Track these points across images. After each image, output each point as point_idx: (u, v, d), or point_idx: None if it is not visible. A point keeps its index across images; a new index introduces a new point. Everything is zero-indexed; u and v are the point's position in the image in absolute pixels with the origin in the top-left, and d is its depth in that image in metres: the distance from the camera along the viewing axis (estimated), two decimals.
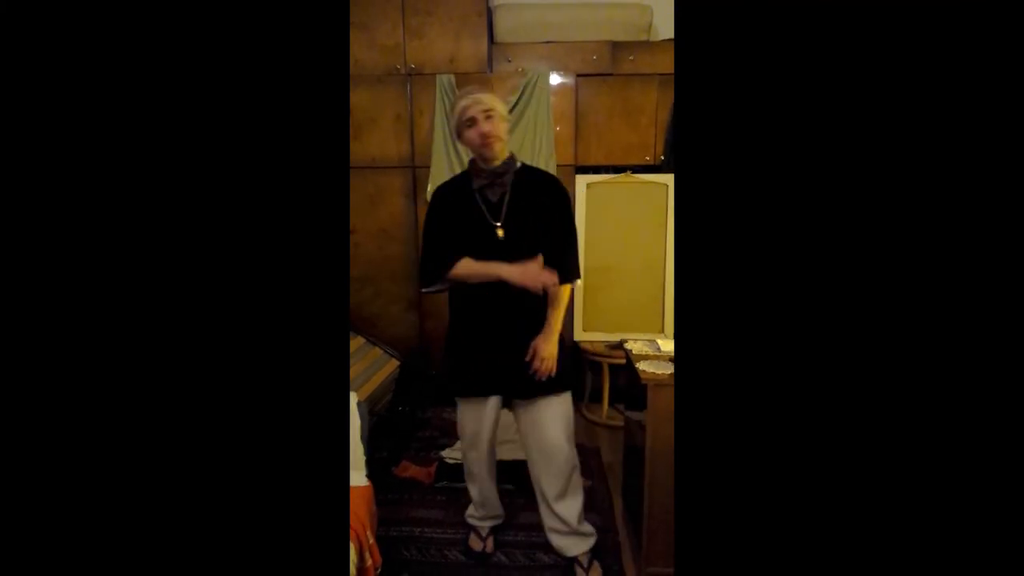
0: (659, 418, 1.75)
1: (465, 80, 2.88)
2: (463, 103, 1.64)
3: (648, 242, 3.00)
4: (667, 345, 2.02)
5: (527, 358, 1.69)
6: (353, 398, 1.87)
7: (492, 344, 1.73)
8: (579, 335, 3.02)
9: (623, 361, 2.34)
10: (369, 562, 1.59)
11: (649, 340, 2.13)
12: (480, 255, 1.67)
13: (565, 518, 1.81)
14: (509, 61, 2.94)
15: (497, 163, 1.68)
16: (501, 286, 1.64)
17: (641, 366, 1.81)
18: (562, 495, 1.80)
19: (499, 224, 1.69)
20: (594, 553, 1.88)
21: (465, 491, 2.13)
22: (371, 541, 1.62)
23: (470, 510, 2.07)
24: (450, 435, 2.83)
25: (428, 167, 2.95)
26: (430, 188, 2.95)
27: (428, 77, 2.90)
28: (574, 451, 1.81)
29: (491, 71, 2.93)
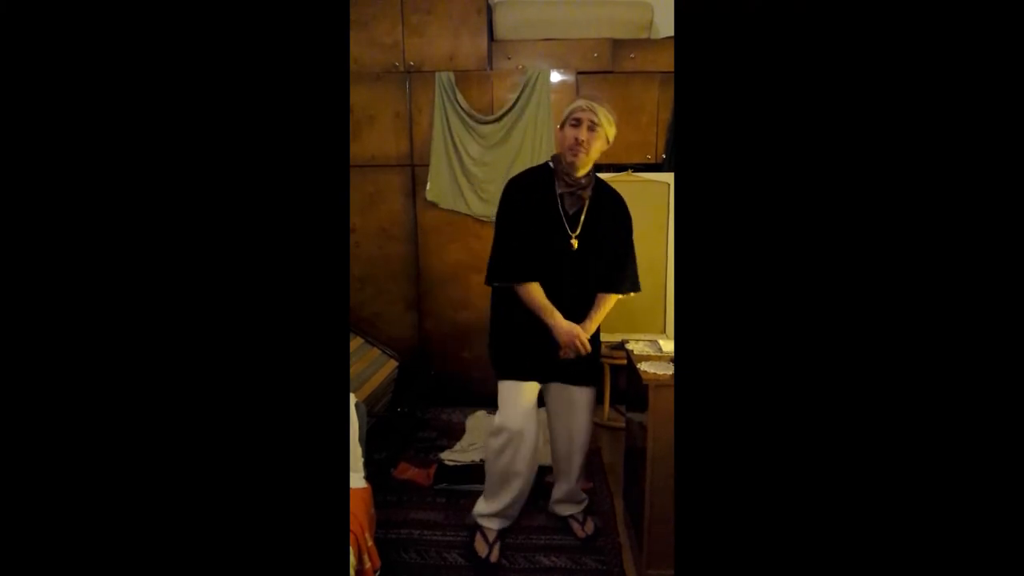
0: (660, 419, 1.73)
1: (464, 78, 2.87)
2: (579, 103, 1.71)
3: (649, 241, 2.98)
4: (668, 345, 2.01)
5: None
6: (352, 399, 1.85)
7: (539, 334, 1.82)
8: None
9: (624, 362, 2.32)
10: (368, 564, 1.58)
11: (650, 340, 2.11)
12: (553, 262, 1.79)
13: (573, 490, 2.05)
14: (509, 59, 2.93)
15: (580, 173, 1.75)
16: (551, 286, 1.78)
17: (642, 367, 1.80)
18: (576, 472, 2.02)
19: (575, 235, 1.79)
20: (586, 512, 2.13)
21: (465, 493, 2.12)
22: (370, 543, 1.61)
23: (481, 507, 1.98)
24: (449, 436, 2.82)
25: (427, 165, 2.93)
26: (429, 186, 2.94)
27: (427, 75, 2.88)
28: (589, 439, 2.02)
29: (491, 69, 2.91)
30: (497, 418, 1.90)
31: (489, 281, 1.86)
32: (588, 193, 1.78)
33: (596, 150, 1.72)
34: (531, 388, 1.90)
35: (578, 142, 1.68)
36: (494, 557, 1.91)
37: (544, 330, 1.81)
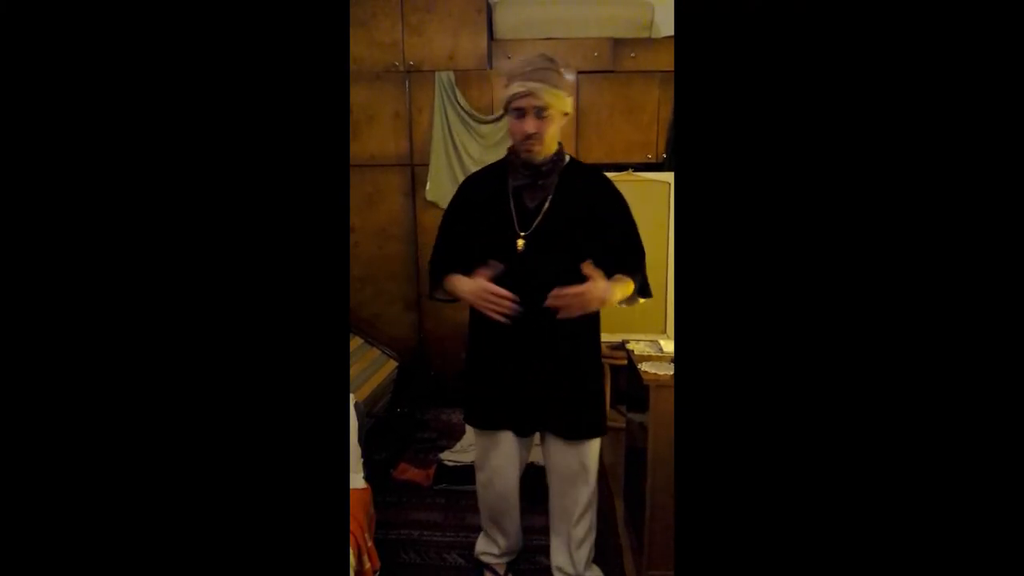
0: (661, 420, 1.73)
1: (464, 78, 2.86)
2: (515, 88, 1.34)
3: (649, 241, 2.97)
4: (669, 346, 2.00)
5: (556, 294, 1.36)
6: (351, 399, 1.85)
7: (513, 374, 1.49)
8: None
9: (624, 362, 2.32)
10: (368, 565, 1.58)
11: (651, 341, 2.11)
12: (505, 273, 1.42)
13: (581, 565, 1.68)
14: (509, 58, 2.92)
15: (539, 159, 1.42)
16: (527, 308, 1.39)
17: (643, 367, 1.80)
18: (590, 535, 1.68)
19: (523, 234, 1.44)
20: None
21: (465, 493, 2.12)
22: (369, 544, 1.61)
23: (483, 546, 1.80)
24: (449, 437, 2.82)
25: (427, 165, 2.93)
26: (429, 186, 2.94)
27: (427, 74, 2.88)
28: (595, 491, 1.65)
29: (491, 68, 2.91)
30: (476, 455, 1.67)
31: (429, 295, 1.60)
32: (553, 180, 1.45)
33: (552, 134, 1.40)
34: (506, 439, 1.58)
35: (528, 136, 1.37)
36: None
37: (524, 370, 1.47)
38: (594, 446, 1.59)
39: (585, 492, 1.61)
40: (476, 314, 1.47)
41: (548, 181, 1.45)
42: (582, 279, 1.35)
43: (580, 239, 1.46)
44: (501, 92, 1.44)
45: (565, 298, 1.34)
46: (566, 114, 1.42)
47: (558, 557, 1.70)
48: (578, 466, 1.58)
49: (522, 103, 1.35)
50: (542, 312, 1.36)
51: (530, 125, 1.36)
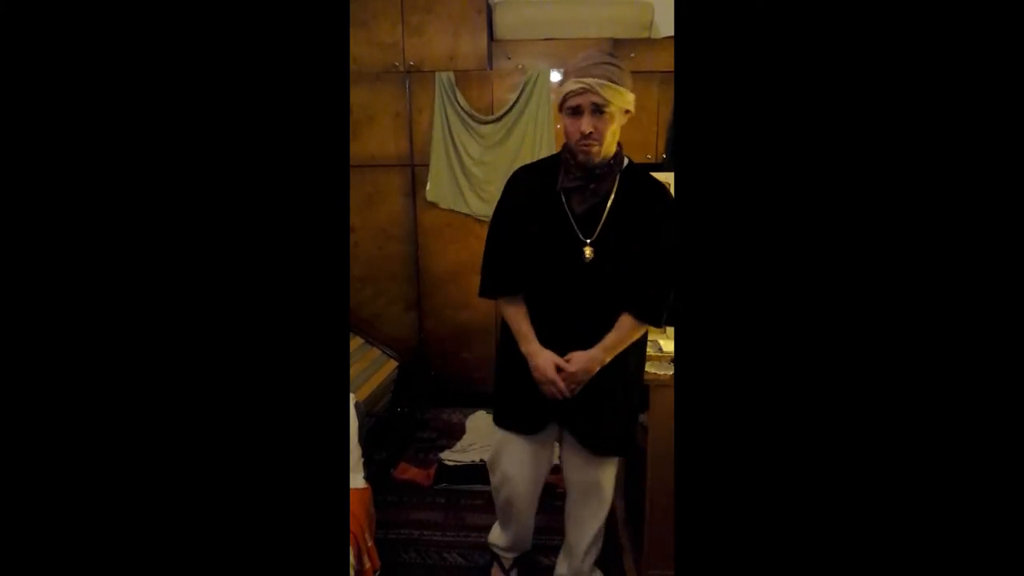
0: (661, 419, 1.73)
1: (464, 78, 2.86)
2: (570, 85, 1.26)
3: None
4: (669, 346, 2.00)
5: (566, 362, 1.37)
6: (351, 399, 1.85)
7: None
8: None
9: None
10: (368, 565, 1.58)
11: (651, 340, 2.11)
12: (559, 278, 1.36)
13: (575, 566, 1.67)
14: (509, 58, 2.93)
15: (596, 160, 1.32)
16: (554, 308, 1.37)
17: None
18: (596, 547, 1.67)
19: (588, 242, 1.34)
20: None
21: (465, 493, 2.12)
22: (370, 544, 1.61)
23: (495, 536, 1.78)
24: (449, 436, 2.82)
25: (427, 165, 2.93)
26: (429, 186, 2.94)
27: (427, 75, 2.88)
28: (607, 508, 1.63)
29: (491, 68, 2.91)
30: (491, 455, 1.63)
31: (480, 293, 1.50)
32: (608, 185, 1.33)
33: (612, 133, 1.29)
34: (529, 442, 1.52)
35: (584, 135, 1.26)
36: None
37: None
38: (612, 465, 1.56)
39: (598, 509, 1.58)
40: (546, 323, 1.42)
41: (601, 186, 1.34)
42: (640, 286, 1.35)
43: (638, 252, 1.35)
44: (556, 89, 1.36)
45: (564, 383, 1.36)
46: (628, 112, 1.31)
47: (562, 566, 1.72)
48: (594, 482, 1.55)
49: (579, 100, 1.25)
50: (604, 321, 1.35)
51: (587, 124, 1.25)
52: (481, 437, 2.79)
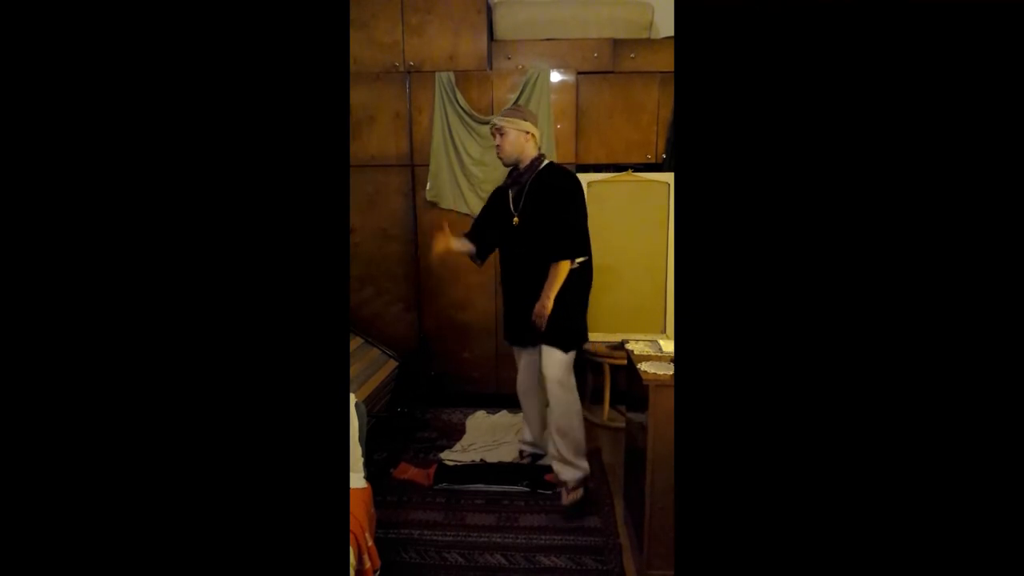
0: (661, 420, 1.73)
1: (464, 78, 2.87)
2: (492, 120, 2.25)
3: (650, 241, 2.98)
4: (669, 346, 2.00)
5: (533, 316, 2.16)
6: (351, 399, 1.85)
7: (508, 305, 2.34)
8: None
9: (624, 362, 2.32)
10: (368, 564, 1.58)
11: (651, 340, 2.11)
12: (504, 238, 2.27)
13: (561, 450, 2.22)
14: (509, 59, 2.93)
15: (515, 166, 2.21)
16: (519, 267, 2.23)
17: (643, 367, 1.80)
18: (561, 432, 2.22)
19: (516, 213, 2.23)
20: (584, 486, 2.26)
21: (465, 493, 2.12)
22: (370, 543, 1.61)
23: (524, 434, 2.59)
24: (449, 436, 2.82)
25: (427, 165, 2.93)
26: (429, 186, 2.94)
27: (427, 75, 2.88)
28: (571, 398, 2.22)
29: (491, 68, 2.91)
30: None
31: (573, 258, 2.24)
32: (527, 178, 2.20)
33: (508, 143, 2.18)
34: (522, 351, 2.37)
35: (497, 148, 2.22)
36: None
37: (510, 302, 2.32)
38: (558, 355, 2.22)
39: (553, 391, 2.24)
40: (503, 272, 2.33)
41: (523, 179, 2.22)
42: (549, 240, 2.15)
43: (544, 215, 2.17)
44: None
45: (538, 320, 2.15)
46: (518, 131, 2.19)
47: (549, 447, 2.34)
48: (532, 369, 2.39)
49: (491, 130, 2.24)
50: (532, 264, 2.18)
51: (496, 140, 2.21)
52: (481, 437, 2.79)
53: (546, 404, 2.32)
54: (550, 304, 2.14)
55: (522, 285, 2.23)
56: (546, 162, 2.23)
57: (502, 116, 2.20)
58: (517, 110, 2.23)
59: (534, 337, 2.22)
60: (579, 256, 2.17)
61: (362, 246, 3.05)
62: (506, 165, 2.24)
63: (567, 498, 2.22)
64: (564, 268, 2.12)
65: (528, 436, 2.59)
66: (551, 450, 2.28)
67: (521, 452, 2.61)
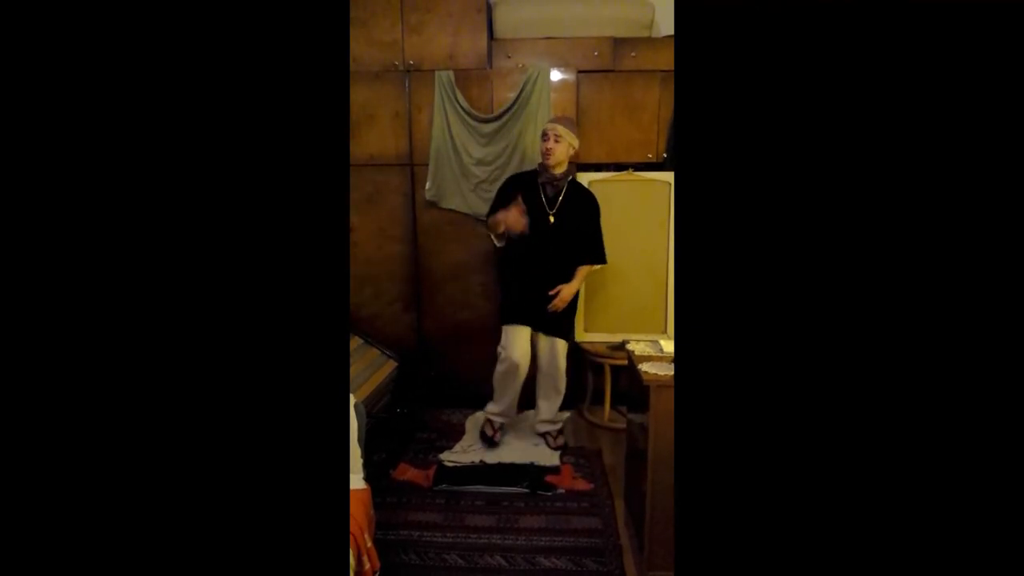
0: (661, 420, 1.73)
1: (464, 77, 2.86)
2: (547, 125, 2.50)
3: (650, 241, 2.98)
4: (669, 346, 2.00)
5: (551, 292, 2.49)
6: (352, 400, 1.84)
7: (530, 290, 2.54)
8: (580, 336, 2.99)
9: (625, 362, 2.32)
10: (367, 566, 1.57)
11: (651, 341, 2.11)
12: (536, 233, 2.44)
13: (550, 412, 2.71)
14: (509, 57, 2.92)
15: (555, 172, 2.49)
16: (546, 260, 2.51)
17: (643, 367, 1.79)
18: (549, 397, 2.70)
19: (552, 212, 2.50)
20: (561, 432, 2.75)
21: (465, 494, 2.11)
22: (369, 544, 1.60)
23: (490, 407, 2.73)
24: (449, 437, 2.81)
25: (427, 164, 2.92)
26: (429, 186, 2.93)
27: (427, 73, 2.87)
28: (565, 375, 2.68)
29: (491, 67, 2.91)
30: (501, 350, 2.62)
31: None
32: (563, 184, 2.50)
33: (562, 154, 2.45)
34: (524, 331, 2.59)
35: (547, 150, 2.45)
36: (497, 438, 2.72)
37: (533, 288, 2.53)
38: (565, 346, 2.64)
39: (561, 371, 2.67)
40: (507, 251, 2.58)
41: (559, 184, 2.51)
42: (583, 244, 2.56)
43: (576, 221, 2.52)
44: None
45: (561, 302, 2.51)
46: (570, 146, 2.47)
47: (538, 413, 2.77)
48: (552, 355, 2.65)
49: (546, 129, 2.48)
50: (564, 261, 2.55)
51: (548, 144, 2.45)
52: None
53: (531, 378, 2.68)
54: (569, 298, 2.51)
55: (546, 276, 2.51)
56: (573, 176, 2.58)
57: (562, 125, 2.44)
58: (572, 122, 2.51)
59: (547, 325, 2.56)
60: (602, 263, 2.56)
61: (362, 246, 3.05)
62: (550, 167, 2.47)
63: (556, 442, 2.71)
64: (588, 272, 2.56)
65: (504, 412, 2.76)
66: (541, 416, 2.73)
67: (545, 436, 2.77)
